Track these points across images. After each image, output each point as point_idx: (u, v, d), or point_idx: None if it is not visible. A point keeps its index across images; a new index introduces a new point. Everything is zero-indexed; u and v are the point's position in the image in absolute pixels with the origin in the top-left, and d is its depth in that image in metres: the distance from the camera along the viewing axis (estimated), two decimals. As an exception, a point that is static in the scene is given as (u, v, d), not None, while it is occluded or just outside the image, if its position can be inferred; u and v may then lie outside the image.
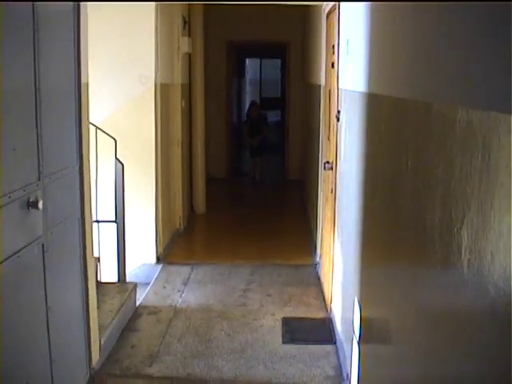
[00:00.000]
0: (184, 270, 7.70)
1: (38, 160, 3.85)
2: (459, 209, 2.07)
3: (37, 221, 3.83)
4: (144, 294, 6.85)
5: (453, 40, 2.23)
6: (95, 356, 5.04)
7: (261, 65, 21.95)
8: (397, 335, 3.49)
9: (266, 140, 14.12)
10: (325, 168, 6.41)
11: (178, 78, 8.95)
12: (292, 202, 12.30)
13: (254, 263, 7.96)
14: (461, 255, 2.04)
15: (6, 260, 3.40)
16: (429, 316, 2.73)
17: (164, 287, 7.15)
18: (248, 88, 22.60)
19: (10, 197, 3.45)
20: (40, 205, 3.73)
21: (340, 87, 5.88)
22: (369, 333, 4.17)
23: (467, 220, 1.98)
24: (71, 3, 4.47)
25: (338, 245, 5.94)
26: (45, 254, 3.95)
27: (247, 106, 19.51)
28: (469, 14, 2.03)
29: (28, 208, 3.68)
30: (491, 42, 1.81)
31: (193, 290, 7.06)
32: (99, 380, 4.98)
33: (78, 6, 4.54)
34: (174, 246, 8.77)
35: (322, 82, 7.50)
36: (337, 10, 6.07)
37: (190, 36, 9.69)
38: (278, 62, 21.96)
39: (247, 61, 21.97)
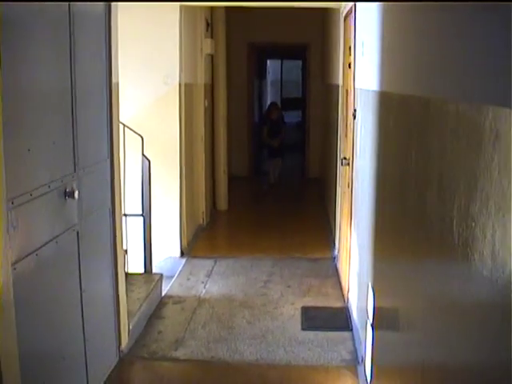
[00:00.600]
0: (207, 263, 8.02)
1: (74, 153, 4.16)
2: (471, 204, 2.18)
3: (72, 210, 4.14)
4: (169, 285, 7.16)
5: (463, 39, 2.38)
6: (124, 340, 5.35)
7: (282, 66, 22.22)
8: (406, 321, 3.77)
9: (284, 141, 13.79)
10: (342, 164, 6.70)
11: (202, 79, 9.27)
12: (311, 198, 12.58)
13: (274, 257, 8.27)
14: (470, 248, 2.18)
15: (46, 244, 3.71)
16: (435, 304, 3.02)
17: (188, 279, 7.46)
18: (269, 89, 22.88)
19: (49, 186, 3.76)
20: (76, 194, 4.05)
21: (356, 87, 6.16)
22: (381, 318, 4.45)
23: (480, 215, 2.07)
24: (102, 3, 4.78)
25: (354, 237, 6.22)
26: (79, 240, 4.26)
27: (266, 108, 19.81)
28: (477, 14, 2.22)
29: (65, 197, 3.99)
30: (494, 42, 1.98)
31: (216, 281, 7.38)
32: (128, 362, 5.29)
33: (110, 7, 4.85)
34: (197, 241, 9.11)
35: (340, 82, 7.78)
36: (353, 13, 6.36)
37: (212, 38, 10.01)
38: (299, 62, 22.27)
39: (268, 62, 22.24)
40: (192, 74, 8.71)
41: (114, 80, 4.96)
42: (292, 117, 20.98)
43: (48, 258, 3.76)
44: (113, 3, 4.90)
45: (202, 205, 9.61)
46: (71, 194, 4.02)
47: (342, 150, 7.23)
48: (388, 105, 4.10)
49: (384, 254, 4.38)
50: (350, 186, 6.43)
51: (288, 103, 21.57)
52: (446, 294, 2.79)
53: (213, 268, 7.84)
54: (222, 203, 11.05)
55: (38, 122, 3.61)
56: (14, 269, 3.24)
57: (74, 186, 4.11)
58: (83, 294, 4.35)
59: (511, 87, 1.71)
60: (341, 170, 7.46)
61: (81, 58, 4.22)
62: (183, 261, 8.12)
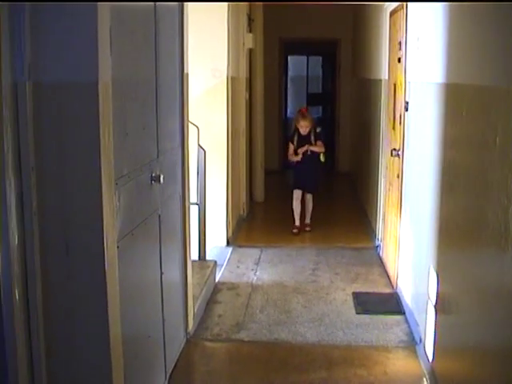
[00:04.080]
0: (253, 252, 8.25)
1: (157, 139, 4.37)
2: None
3: (156, 194, 4.34)
4: (220, 273, 7.38)
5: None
6: (190, 322, 5.56)
7: (308, 62, 22.37)
8: (469, 304, 3.97)
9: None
10: (392, 155, 6.88)
11: (243, 72, 9.47)
12: (343, 191, 12.85)
13: (318, 246, 8.50)
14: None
15: (138, 225, 3.92)
16: (498, 290, 3.24)
17: (238, 266, 7.69)
18: (289, 85, 23.03)
19: (141, 170, 3.97)
20: (161, 179, 4.26)
21: (408, 80, 6.36)
22: (444, 301, 4.64)
23: None
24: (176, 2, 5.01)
25: (405, 225, 6.41)
26: (161, 224, 4.47)
27: (289, 103, 19.89)
28: None
29: (151, 182, 4.19)
30: None
31: (265, 269, 7.60)
32: (194, 343, 5.50)
33: (183, 4, 5.08)
34: (240, 230, 9.39)
35: (385, 76, 7.96)
36: (403, 10, 6.56)
37: (251, 32, 10.21)
38: (320, 58, 22.45)
39: (289, 58, 22.38)
40: (236, 68, 8.90)
41: (185, 70, 5.18)
42: (313, 112, 21.15)
43: (139, 238, 3.96)
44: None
45: (242, 195, 9.84)
46: (157, 179, 4.22)
47: (389, 142, 7.42)
48: (460, 96, 4.28)
49: (450, 240, 4.56)
50: (400, 176, 6.62)
51: (313, 99, 21.70)
52: (507, 283, 3.04)
53: (260, 256, 8.07)
54: (259, 195, 11.30)
55: (132, 108, 3.81)
56: (118, 247, 3.43)
57: (158, 171, 4.31)
58: (162, 276, 4.56)
59: None
60: (386, 162, 7.64)
61: (162, 49, 4.44)
62: (229, 249, 8.34)
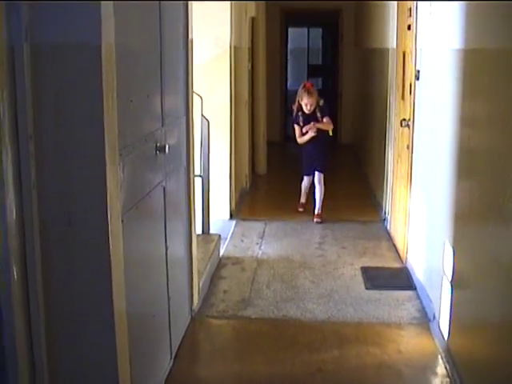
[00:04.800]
0: (257, 226, 8.05)
1: (162, 108, 4.15)
2: None
3: (160, 165, 4.13)
4: (224, 247, 7.19)
5: None
6: (195, 299, 5.37)
7: (308, 33, 22.11)
8: (487, 280, 3.81)
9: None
10: (401, 125, 6.67)
11: (246, 42, 9.23)
12: (347, 163, 12.62)
13: (323, 219, 8.26)
14: None
15: (143, 198, 3.72)
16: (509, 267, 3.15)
17: (242, 240, 7.49)
18: (289, 57, 22.77)
19: (146, 140, 3.76)
20: (167, 149, 4.04)
21: (419, 48, 6.12)
22: (461, 277, 4.46)
23: None
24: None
25: (416, 198, 6.21)
26: (165, 197, 4.26)
27: (290, 75, 19.62)
28: None
29: (156, 152, 3.97)
30: None
31: (270, 243, 7.41)
32: (199, 321, 5.32)
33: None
34: (243, 203, 9.19)
35: (392, 44, 7.71)
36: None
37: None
38: (319, 30, 22.21)
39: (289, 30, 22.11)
40: (238, 37, 8.66)
41: (190, 36, 4.96)
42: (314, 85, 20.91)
43: (144, 211, 3.76)
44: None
45: (244, 167, 9.64)
46: (162, 149, 4.01)
47: (398, 113, 7.20)
48: (481, 62, 4.05)
49: (467, 215, 4.37)
50: (410, 147, 6.41)
51: (313, 71, 21.51)
52: None
53: (264, 230, 7.87)
54: (262, 167, 11.11)
55: (136, 74, 3.59)
56: (122, 221, 3.23)
57: (163, 140, 4.10)
58: (168, 251, 4.36)
59: None
60: (394, 132, 7.43)
61: (166, 14, 4.21)
62: (233, 223, 8.15)
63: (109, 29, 2.85)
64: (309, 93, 8.07)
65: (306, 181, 8.64)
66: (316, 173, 8.42)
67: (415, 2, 6.29)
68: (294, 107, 8.33)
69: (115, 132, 3.00)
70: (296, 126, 8.31)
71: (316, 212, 8.38)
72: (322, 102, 8.25)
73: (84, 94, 2.80)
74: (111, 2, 2.90)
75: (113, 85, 2.92)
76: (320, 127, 8.19)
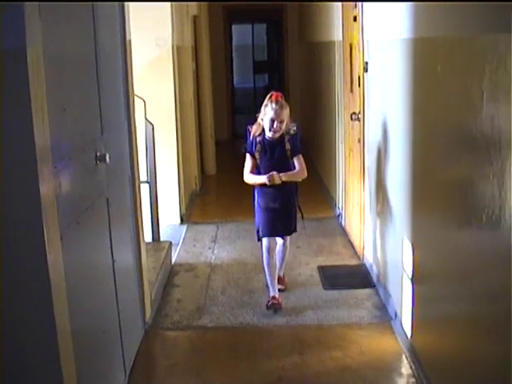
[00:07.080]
0: (210, 229, 7.86)
1: (100, 114, 3.93)
2: None
3: (102, 175, 3.91)
4: (176, 253, 6.98)
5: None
6: (148, 311, 5.16)
7: (253, 29, 21.89)
8: (449, 275, 3.70)
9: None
10: (352, 119, 6.52)
11: (189, 41, 9.02)
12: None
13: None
14: None
15: (85, 211, 3.50)
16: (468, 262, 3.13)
17: (194, 245, 7.29)
18: (234, 54, 22.61)
19: (83, 150, 3.54)
20: (107, 158, 3.82)
21: (366, 39, 5.98)
22: (422, 273, 4.32)
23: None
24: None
25: (370, 192, 6.06)
26: (109, 207, 4.04)
27: (236, 72, 19.43)
28: None
29: (96, 162, 3.75)
30: None
31: (223, 246, 7.22)
32: (154, 334, 5.11)
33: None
34: (194, 207, 8.98)
35: (338, 37, 7.56)
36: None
37: (195, -1, 9.76)
38: (264, 26, 22.06)
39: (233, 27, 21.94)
40: (180, 36, 8.45)
41: (128, 37, 4.74)
42: (260, 82, 20.89)
43: (86, 226, 3.54)
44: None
45: (194, 169, 9.44)
46: (102, 158, 3.79)
47: (347, 106, 7.05)
48: (432, 51, 3.90)
49: (426, 210, 4.24)
50: (362, 140, 6.27)
51: (259, 67, 21.39)
52: (485, 252, 2.90)
53: (216, 233, 7.69)
54: (211, 167, 10.92)
55: (69, 81, 3.37)
56: (61, 238, 3.01)
57: (103, 149, 3.88)
58: (114, 264, 4.15)
59: None
60: (344, 126, 7.28)
61: (100, 16, 3.99)
62: (184, 227, 7.95)
63: (34, 33, 2.63)
64: (278, 104, 5.27)
65: (265, 246, 5.58)
66: (281, 237, 5.74)
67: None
68: (252, 128, 5.47)
69: (48, 144, 2.78)
70: (248, 157, 5.54)
71: (279, 274, 5.84)
72: (293, 130, 5.42)
73: (10, 104, 2.58)
74: (36, 3, 2.69)
75: (42, 93, 2.70)
76: (289, 180, 5.43)
